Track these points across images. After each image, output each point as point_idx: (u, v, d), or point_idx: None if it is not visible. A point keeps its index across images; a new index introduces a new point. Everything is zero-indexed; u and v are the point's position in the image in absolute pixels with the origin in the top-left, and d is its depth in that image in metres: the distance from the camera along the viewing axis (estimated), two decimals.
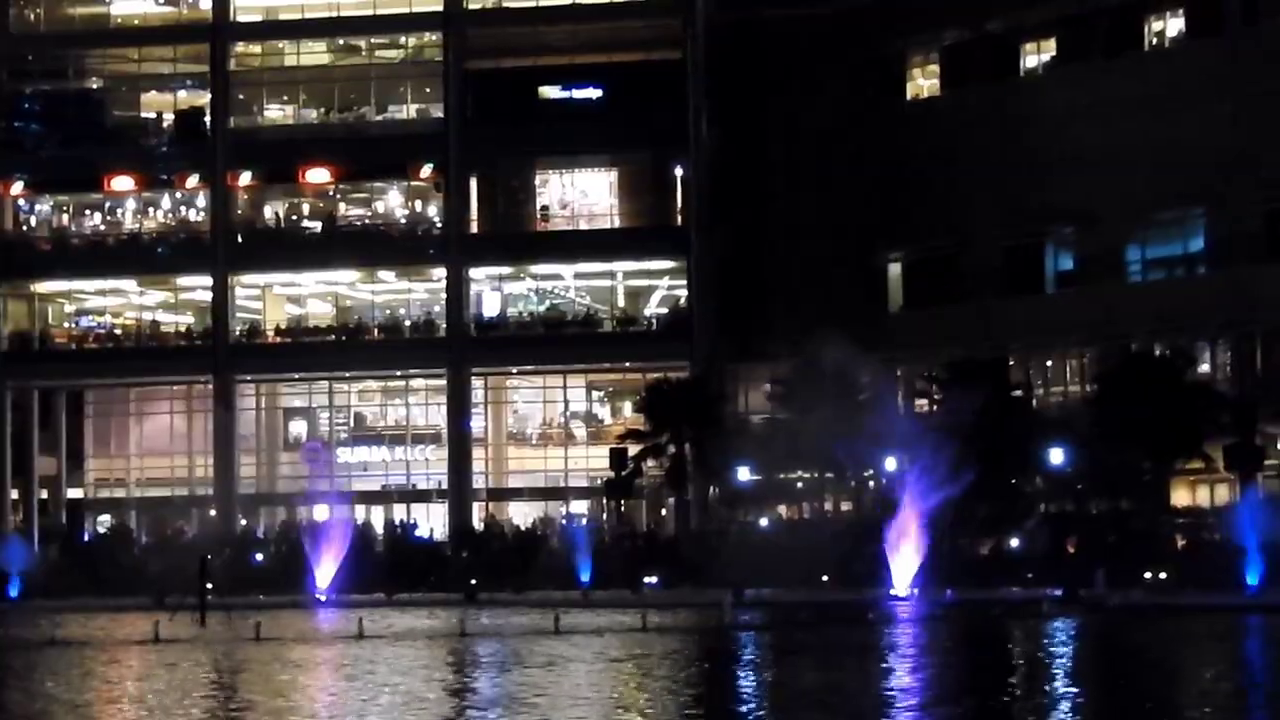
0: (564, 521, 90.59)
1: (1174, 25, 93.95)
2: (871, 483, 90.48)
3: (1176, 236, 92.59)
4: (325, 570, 79.27)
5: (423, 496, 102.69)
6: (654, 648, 47.65)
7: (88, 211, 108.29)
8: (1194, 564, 71.62)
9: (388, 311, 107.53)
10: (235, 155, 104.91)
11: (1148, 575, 72.24)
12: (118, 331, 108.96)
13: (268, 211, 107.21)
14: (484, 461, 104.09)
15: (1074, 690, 37.54)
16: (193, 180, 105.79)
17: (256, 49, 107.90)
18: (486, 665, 43.29)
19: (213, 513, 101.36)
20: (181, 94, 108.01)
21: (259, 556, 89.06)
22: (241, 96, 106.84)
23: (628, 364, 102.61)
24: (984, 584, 70.97)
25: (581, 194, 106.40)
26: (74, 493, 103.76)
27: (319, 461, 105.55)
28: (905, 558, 70.07)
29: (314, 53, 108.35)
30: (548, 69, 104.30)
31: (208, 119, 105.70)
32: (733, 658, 45.95)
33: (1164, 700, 34.23)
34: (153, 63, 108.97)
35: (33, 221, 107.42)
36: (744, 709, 34.94)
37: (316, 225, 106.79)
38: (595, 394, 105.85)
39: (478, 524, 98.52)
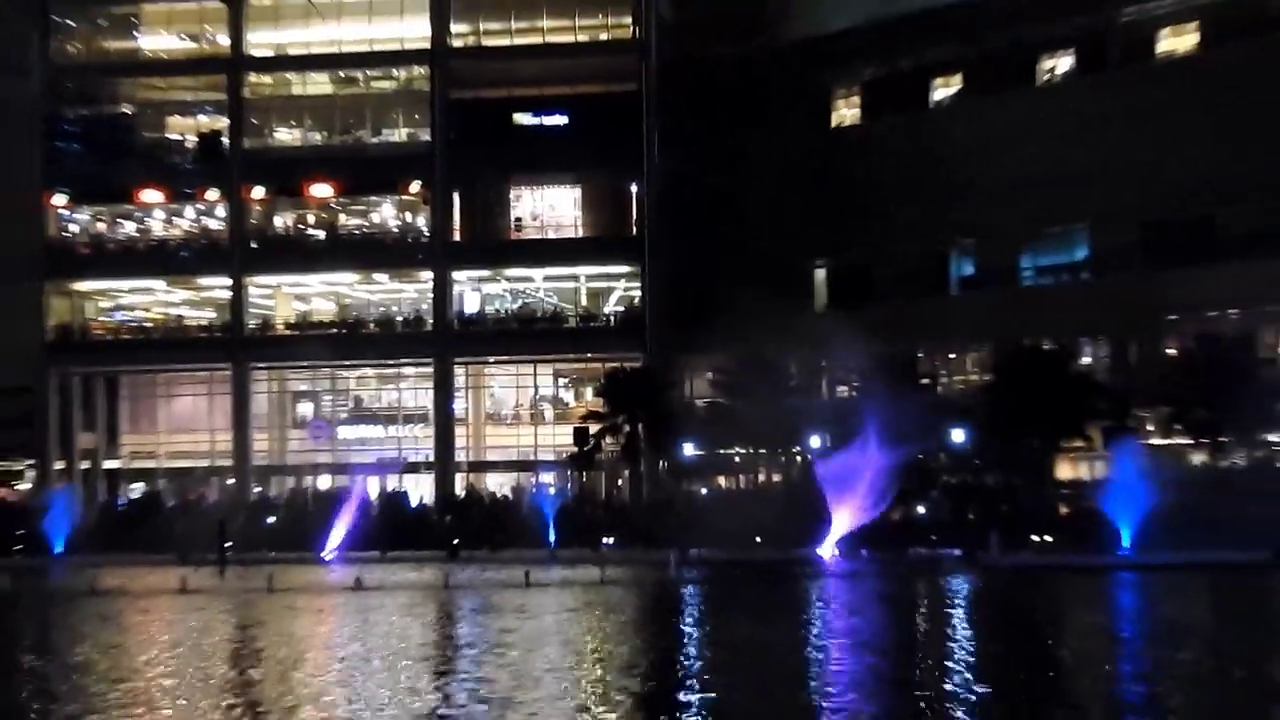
0: (534, 490, 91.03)
1: (1065, 62, 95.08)
2: (800, 458, 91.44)
3: (1063, 248, 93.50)
4: (328, 531, 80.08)
5: (412, 468, 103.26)
6: (609, 598, 48.54)
7: (121, 220, 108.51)
8: (1075, 529, 72.61)
9: (382, 309, 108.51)
10: (249, 172, 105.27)
11: (1035, 539, 73.37)
12: (148, 325, 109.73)
13: (278, 221, 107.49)
14: (465, 438, 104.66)
15: (962, 633, 38.45)
16: (212, 194, 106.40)
17: (268, 79, 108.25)
18: (466, 612, 44.09)
19: (230, 481, 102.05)
20: (202, 118, 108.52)
21: (270, 519, 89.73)
22: (254, 121, 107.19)
23: (589, 355, 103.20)
24: (895, 546, 71.72)
25: (550, 208, 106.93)
26: (110, 464, 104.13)
27: (322, 438, 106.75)
28: (829, 523, 71.02)
29: (318, 83, 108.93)
30: (520, 99, 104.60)
31: (225, 140, 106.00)
32: (674, 607, 46.74)
33: (1036, 640, 34.74)
34: (177, 90, 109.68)
35: (73, 229, 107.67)
36: (680, 646, 36.00)
37: (320, 234, 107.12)
38: (561, 381, 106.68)
39: (460, 492, 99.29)
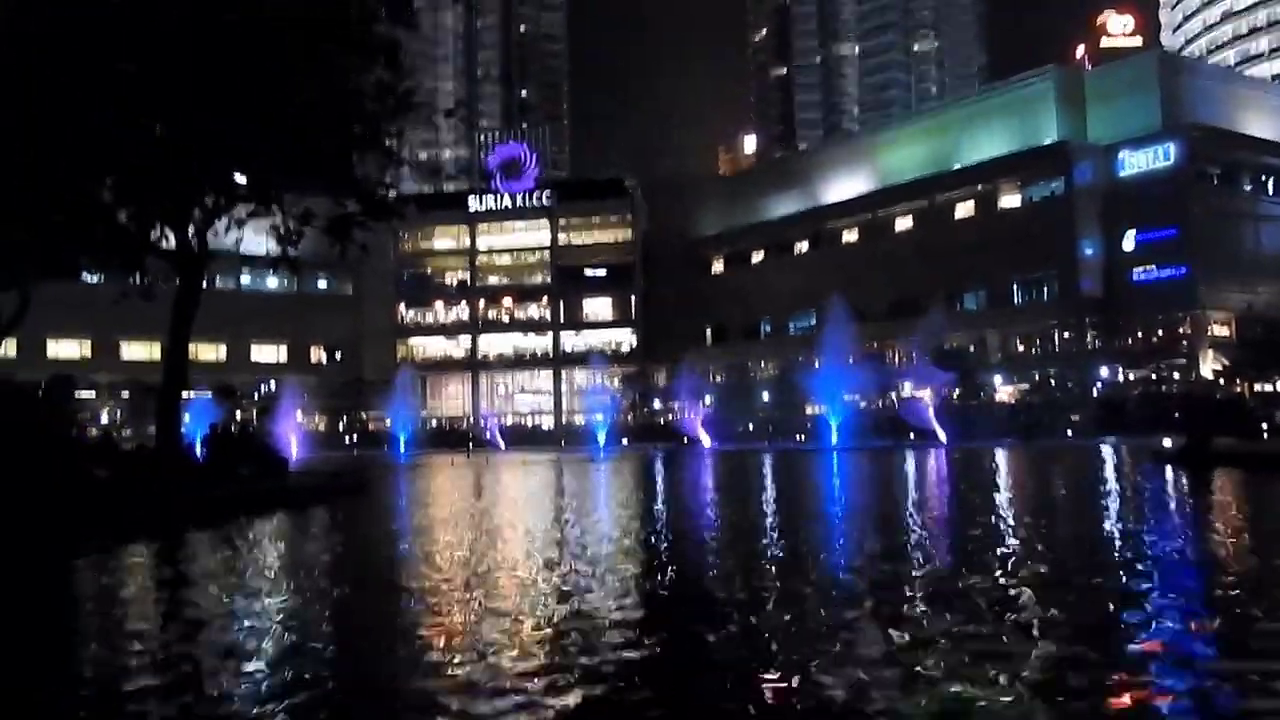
0: (596, 420, 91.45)
1: (803, 245, 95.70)
2: (701, 407, 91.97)
3: (806, 319, 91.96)
4: (505, 438, 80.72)
5: (543, 413, 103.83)
6: (622, 463, 48.47)
7: (425, 314, 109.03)
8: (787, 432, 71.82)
9: (531, 348, 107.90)
10: (478, 293, 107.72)
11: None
12: (437, 357, 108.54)
13: (489, 314, 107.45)
14: (567, 398, 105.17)
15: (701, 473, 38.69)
16: (463, 304, 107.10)
17: (485, 259, 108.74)
18: (571, 469, 44.10)
19: (471, 419, 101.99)
20: (458, 274, 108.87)
21: (487, 435, 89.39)
22: (480, 273, 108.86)
23: (617, 364, 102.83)
24: (733, 440, 70.94)
25: (601, 308, 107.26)
26: (424, 414, 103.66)
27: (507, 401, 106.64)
28: (699, 429, 71.03)
29: (504, 259, 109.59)
30: (587, 264, 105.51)
31: (468, 282, 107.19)
32: (650, 465, 46.73)
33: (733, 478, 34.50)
34: (448, 261, 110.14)
35: (407, 318, 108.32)
36: (651, 473, 36.56)
37: (507, 319, 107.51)
38: (607, 375, 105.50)
39: (564, 421, 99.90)
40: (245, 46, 22.36)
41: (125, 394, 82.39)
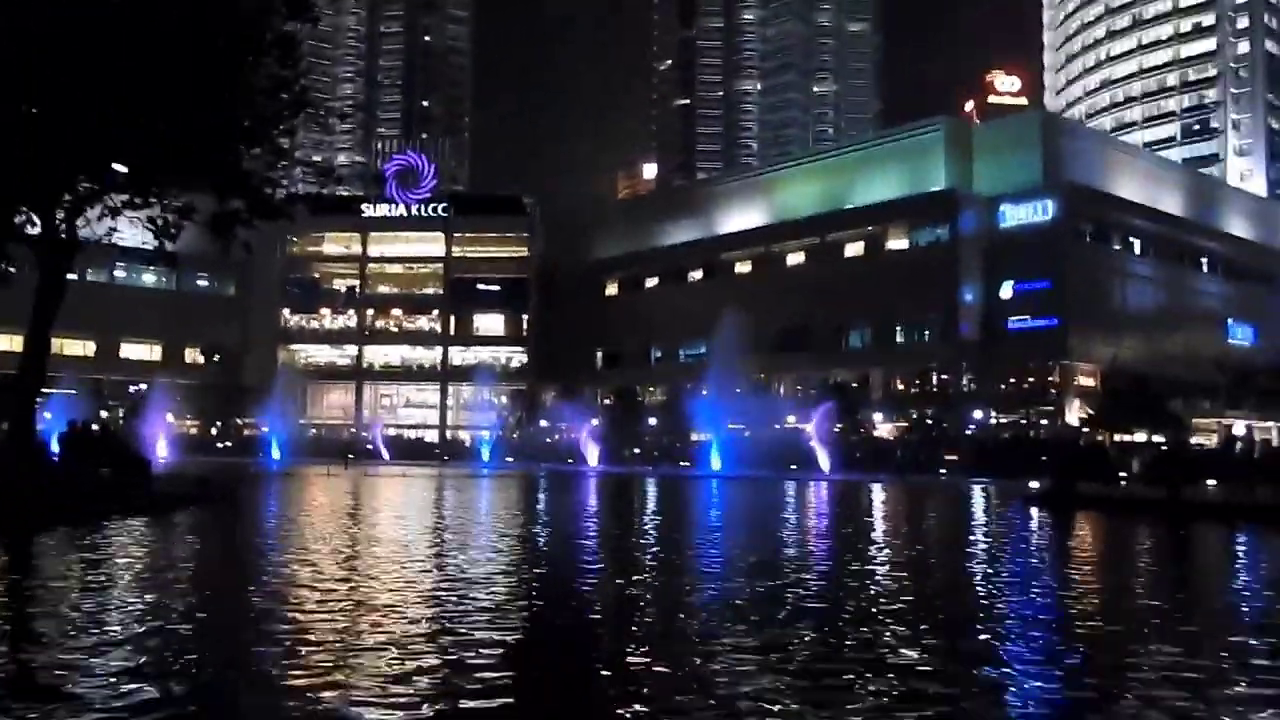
0: (481, 436, 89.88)
1: (697, 274, 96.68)
2: (588, 428, 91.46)
3: (696, 346, 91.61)
4: (385, 451, 79.01)
5: (431, 427, 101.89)
6: (506, 483, 47.83)
7: (311, 321, 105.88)
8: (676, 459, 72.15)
9: (419, 361, 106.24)
10: (366, 303, 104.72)
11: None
12: (321, 364, 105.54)
13: (379, 324, 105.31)
14: (453, 413, 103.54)
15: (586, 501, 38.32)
16: (351, 313, 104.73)
17: (376, 266, 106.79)
18: (448, 486, 43.23)
19: (351, 429, 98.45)
20: (348, 280, 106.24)
21: (369, 446, 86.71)
22: (370, 281, 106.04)
23: (506, 382, 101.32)
24: (612, 462, 71.33)
25: (493, 324, 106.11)
26: (303, 422, 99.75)
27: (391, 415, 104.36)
28: (585, 450, 70.85)
29: (395, 268, 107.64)
30: (481, 278, 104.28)
31: (356, 290, 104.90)
32: (535, 485, 46.17)
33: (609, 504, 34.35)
34: (338, 268, 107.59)
35: (292, 324, 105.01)
36: (534, 493, 36.06)
37: (395, 329, 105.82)
38: (495, 392, 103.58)
39: (449, 437, 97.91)
40: (125, 33, 21.30)
41: None
